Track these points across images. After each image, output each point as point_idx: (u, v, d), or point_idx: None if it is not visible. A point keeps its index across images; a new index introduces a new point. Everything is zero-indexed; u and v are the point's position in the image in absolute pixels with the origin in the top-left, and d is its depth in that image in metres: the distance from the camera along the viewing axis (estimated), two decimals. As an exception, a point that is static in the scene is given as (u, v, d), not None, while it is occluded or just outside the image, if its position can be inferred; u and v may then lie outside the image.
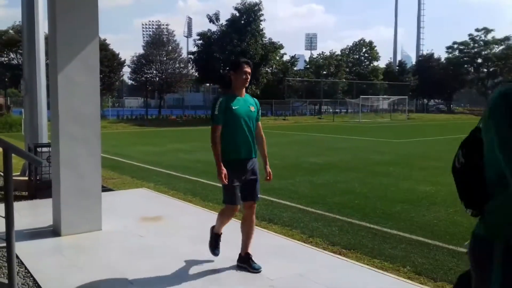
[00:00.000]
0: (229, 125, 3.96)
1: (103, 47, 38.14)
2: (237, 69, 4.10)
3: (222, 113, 3.94)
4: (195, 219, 6.05)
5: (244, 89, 4.19)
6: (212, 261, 4.39)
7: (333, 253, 4.77)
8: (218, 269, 4.20)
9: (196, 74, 44.29)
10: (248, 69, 4.11)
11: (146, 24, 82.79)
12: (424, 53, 77.76)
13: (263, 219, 6.13)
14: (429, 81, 63.34)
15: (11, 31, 44.61)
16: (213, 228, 4.41)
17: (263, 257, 4.49)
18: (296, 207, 6.92)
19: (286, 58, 51.49)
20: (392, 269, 4.36)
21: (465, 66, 67.05)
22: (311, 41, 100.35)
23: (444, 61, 68.64)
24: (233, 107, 3.97)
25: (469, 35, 66.36)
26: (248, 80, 4.13)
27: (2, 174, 8.67)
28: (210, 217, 6.12)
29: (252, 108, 4.14)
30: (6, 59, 45.67)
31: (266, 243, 5.01)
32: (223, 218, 4.30)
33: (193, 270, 4.17)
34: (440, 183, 8.99)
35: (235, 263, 4.31)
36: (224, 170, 3.86)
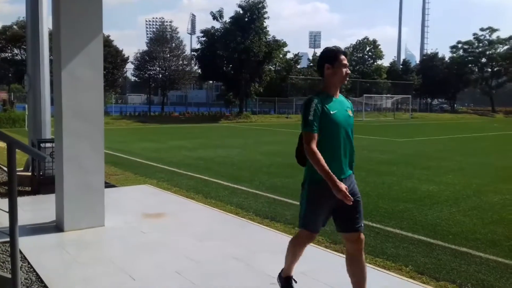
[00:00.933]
0: (325, 135, 3.09)
1: (107, 43, 38.16)
2: (334, 61, 3.22)
3: (318, 119, 3.06)
4: (197, 216, 6.06)
5: (339, 88, 3.32)
6: (213, 257, 4.40)
7: (335, 251, 4.77)
8: (220, 265, 4.20)
9: (199, 71, 44.30)
10: (346, 61, 3.28)
11: (149, 21, 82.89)
12: (428, 52, 77.58)
13: (265, 217, 6.13)
14: (433, 80, 63.17)
15: (15, 26, 44.68)
16: (280, 273, 3.63)
17: (266, 256, 4.50)
18: (299, 205, 6.90)
19: (289, 56, 51.46)
20: (394, 268, 4.36)
21: (469, 65, 66.77)
22: (315, 39, 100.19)
23: (448, 61, 68.40)
24: (331, 112, 3.11)
25: (474, 34, 66.11)
26: (348, 75, 3.31)
27: (5, 169, 8.71)
28: (212, 214, 6.15)
29: (350, 113, 3.27)
30: (10, 54, 45.79)
31: (269, 241, 5.02)
32: (296, 249, 3.47)
33: (195, 266, 4.17)
34: (443, 183, 8.97)
35: (237, 259, 4.32)
36: (343, 184, 2.98)
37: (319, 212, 3.25)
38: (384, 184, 8.77)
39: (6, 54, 45.97)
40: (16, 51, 44.86)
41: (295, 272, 4.05)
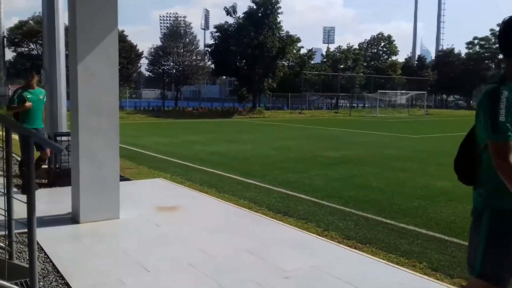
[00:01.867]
0: None
1: (121, 38, 38.41)
2: None
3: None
4: (211, 210, 6.09)
5: None
6: (227, 251, 4.43)
7: (348, 247, 4.76)
8: (233, 259, 4.23)
9: (213, 66, 44.34)
10: None
11: (163, 16, 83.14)
12: (444, 48, 76.59)
13: (278, 212, 6.14)
14: (448, 76, 62.36)
15: (31, 21, 45.15)
16: None
17: (278, 250, 4.51)
18: (312, 201, 6.91)
19: (303, 51, 51.19)
20: (408, 264, 4.34)
21: (486, 61, 65.77)
22: (328, 35, 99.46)
23: (464, 57, 67.44)
24: None
25: (491, 30, 65.04)
26: None
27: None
28: (225, 208, 6.18)
29: None
30: (26, 49, 46.29)
31: (281, 236, 5.03)
32: None
33: (208, 259, 4.20)
34: (457, 179, 8.87)
35: (250, 253, 4.34)
36: None
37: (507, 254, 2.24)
38: (398, 181, 8.71)
39: (23, 49, 46.51)
40: (32, 46, 45.35)
41: (309, 267, 4.06)
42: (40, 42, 35.81)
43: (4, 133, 3.16)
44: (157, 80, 51.65)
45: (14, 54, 48.43)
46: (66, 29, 7.21)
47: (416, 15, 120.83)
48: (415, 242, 5.03)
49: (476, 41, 66.41)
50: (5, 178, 3.34)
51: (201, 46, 51.08)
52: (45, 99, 7.12)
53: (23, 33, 44.34)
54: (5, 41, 49.82)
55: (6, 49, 50.01)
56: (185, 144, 14.84)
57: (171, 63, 45.30)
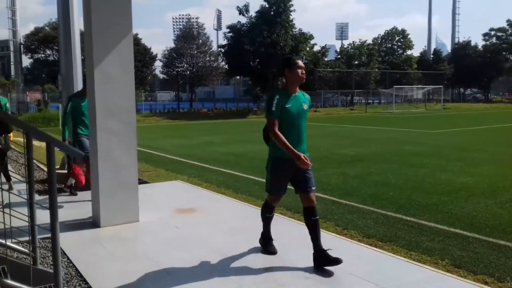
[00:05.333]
0: None
1: (135, 42, 38.77)
2: None
3: None
4: (229, 211, 6.11)
5: None
6: (246, 252, 4.43)
7: (368, 245, 4.73)
8: (253, 260, 4.23)
9: (227, 66, 44.44)
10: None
11: (176, 18, 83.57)
12: (460, 40, 75.44)
13: (296, 211, 6.12)
14: (465, 69, 61.40)
15: (47, 28, 45.81)
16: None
17: (298, 249, 4.50)
18: (330, 199, 6.87)
19: (316, 48, 50.98)
20: (430, 262, 4.29)
21: (504, 53, 64.55)
22: (342, 31, 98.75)
23: (481, 49, 66.30)
24: None
25: (507, 21, 63.80)
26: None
27: (43, 167, 8.99)
28: (243, 209, 6.19)
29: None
30: (42, 55, 46.99)
31: (301, 235, 5.00)
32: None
33: (228, 260, 4.22)
34: (478, 174, 8.75)
35: (270, 253, 4.35)
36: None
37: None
38: (417, 177, 8.62)
39: (39, 55, 47.24)
40: (48, 52, 46.02)
41: (330, 266, 4.04)
42: (57, 48, 36.32)
43: (25, 140, 3.21)
44: (171, 82, 52.04)
45: (31, 60, 49.28)
46: (82, 35, 7.29)
47: (431, 8, 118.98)
48: (436, 239, 4.96)
49: (492, 33, 65.25)
50: (27, 184, 3.39)
51: (214, 47, 51.32)
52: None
53: (40, 39, 45.05)
54: (22, 48, 50.69)
55: (23, 56, 50.87)
56: (201, 146, 14.91)
57: (185, 65, 45.60)
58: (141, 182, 7.34)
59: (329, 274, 3.87)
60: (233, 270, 3.99)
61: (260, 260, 4.24)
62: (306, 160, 3.81)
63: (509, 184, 7.84)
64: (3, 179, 6.72)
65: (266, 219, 4.42)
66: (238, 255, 4.36)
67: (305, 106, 4.09)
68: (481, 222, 5.59)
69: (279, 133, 3.89)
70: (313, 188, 4.07)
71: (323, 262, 3.94)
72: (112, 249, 4.58)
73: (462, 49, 67.23)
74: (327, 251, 3.96)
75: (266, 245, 4.44)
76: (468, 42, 68.14)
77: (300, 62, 4.05)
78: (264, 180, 4.30)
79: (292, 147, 3.84)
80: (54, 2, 8.96)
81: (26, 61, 56.00)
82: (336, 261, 3.86)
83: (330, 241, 4.80)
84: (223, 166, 10.27)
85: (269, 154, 4.16)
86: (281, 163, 4.01)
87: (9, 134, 7.22)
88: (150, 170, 9.66)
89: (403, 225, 5.50)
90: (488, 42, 65.93)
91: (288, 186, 4.18)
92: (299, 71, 3.99)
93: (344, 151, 12.52)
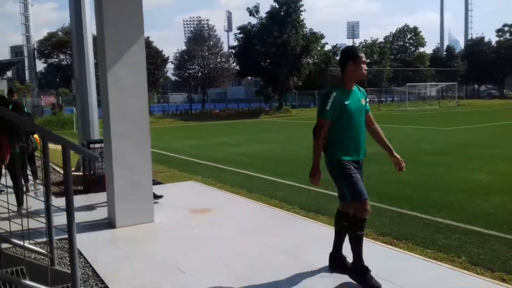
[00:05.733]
0: None
1: (147, 44, 39.04)
2: None
3: None
4: (243, 211, 6.12)
5: None
6: (261, 251, 4.44)
7: (384, 243, 4.70)
8: (269, 259, 4.23)
9: (238, 67, 44.51)
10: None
11: (187, 21, 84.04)
12: (473, 37, 74.55)
13: (310, 210, 6.11)
14: (479, 66, 60.64)
15: (60, 32, 46.34)
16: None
17: (313, 248, 4.49)
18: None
19: (327, 48, 50.79)
20: (446, 259, 4.25)
21: (518, 48, 63.62)
22: (353, 30, 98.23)
23: (495, 45, 65.42)
24: None
25: (521, 15, 62.83)
26: None
27: (59, 170, 9.10)
28: (257, 208, 6.20)
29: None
30: (56, 60, 47.54)
31: (315, 234, 5.00)
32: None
33: (243, 260, 4.22)
34: (495, 172, 8.63)
35: (283, 253, 4.34)
36: None
37: None
38: (432, 175, 8.54)
39: (53, 60, 47.81)
40: (62, 56, 46.55)
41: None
42: (70, 52, 36.74)
43: (41, 143, 3.25)
44: (183, 84, 52.29)
45: (45, 65, 49.92)
46: (94, 39, 7.37)
47: (443, 4, 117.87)
48: (452, 237, 4.91)
49: (506, 28, 64.38)
50: (44, 186, 3.43)
51: (225, 48, 51.38)
52: None
53: (53, 44, 45.61)
54: (35, 53, 51.33)
55: (37, 61, 51.51)
56: (214, 146, 14.95)
57: (197, 67, 45.78)
58: (155, 183, 7.38)
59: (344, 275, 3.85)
60: (248, 269, 4.00)
61: (275, 259, 4.24)
62: (315, 182, 3.63)
63: (526, 181, 7.72)
64: (22, 181, 6.80)
65: (357, 240, 3.58)
66: (252, 254, 4.37)
67: (363, 101, 3.72)
68: (498, 219, 5.51)
69: (321, 138, 3.56)
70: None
71: (339, 267, 3.80)
72: (127, 250, 4.62)
73: (475, 46, 66.42)
74: (346, 259, 3.78)
75: (364, 278, 3.57)
76: (482, 38, 67.29)
77: (364, 57, 3.66)
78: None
79: (317, 161, 3.58)
80: (67, 7, 9.07)
81: (40, 65, 56.84)
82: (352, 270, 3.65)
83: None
84: (237, 166, 10.29)
85: (329, 160, 3.70)
86: (349, 162, 3.64)
87: (34, 135, 7.27)
88: (164, 171, 9.72)
89: (419, 223, 5.45)
90: (502, 38, 65.05)
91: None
92: (363, 66, 3.60)
93: (357, 150, 12.43)
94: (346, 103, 3.53)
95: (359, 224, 3.56)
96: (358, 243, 3.58)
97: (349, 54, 3.62)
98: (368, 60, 46.46)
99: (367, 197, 3.59)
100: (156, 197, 6.17)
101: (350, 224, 3.65)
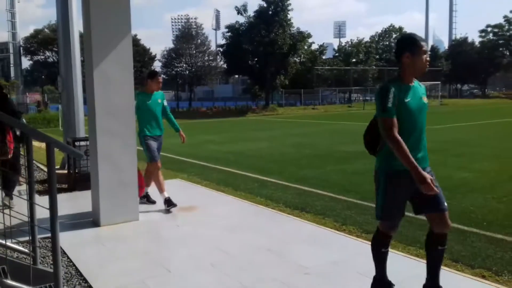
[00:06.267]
0: None
1: (134, 42, 38.73)
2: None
3: None
4: (228, 209, 6.13)
5: None
6: (245, 249, 4.46)
7: (367, 240, 4.74)
8: (253, 257, 4.26)
9: (225, 66, 44.48)
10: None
11: (175, 19, 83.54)
12: (457, 37, 75.49)
13: (295, 208, 6.15)
14: (462, 65, 61.48)
15: (46, 30, 45.76)
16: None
17: (297, 246, 4.53)
18: (328, 196, 6.90)
19: (314, 47, 51.02)
20: (428, 256, 4.31)
21: (500, 49, 64.66)
22: (339, 29, 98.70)
23: (478, 45, 66.37)
24: None
25: (504, 17, 63.93)
26: None
27: (43, 168, 9.01)
28: (242, 206, 6.22)
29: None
30: (42, 57, 46.94)
31: (300, 232, 5.04)
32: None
33: (229, 258, 4.24)
34: (477, 170, 8.78)
35: (268, 250, 4.37)
36: None
37: None
38: (415, 173, 8.63)
39: (39, 57, 47.19)
40: (48, 53, 45.98)
41: (328, 262, 4.07)
42: (56, 49, 36.32)
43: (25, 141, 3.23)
44: (171, 82, 52.04)
45: (31, 62, 49.25)
46: (81, 36, 7.31)
47: (428, 5, 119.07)
48: (434, 234, 4.99)
49: (489, 29, 65.44)
50: (27, 185, 3.41)
51: (213, 47, 51.33)
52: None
53: (39, 41, 45.02)
54: (21, 50, 50.60)
55: (23, 58, 50.76)
56: (201, 144, 14.92)
57: (184, 65, 45.64)
58: (140, 181, 7.36)
59: (331, 271, 3.89)
60: (233, 267, 4.02)
61: (260, 257, 4.27)
62: (432, 185, 2.91)
63: (507, 179, 7.87)
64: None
65: (381, 256, 3.36)
66: (238, 252, 4.39)
67: (425, 99, 3.21)
68: (479, 216, 5.62)
69: (399, 138, 2.92)
70: (446, 205, 3.26)
71: None
72: (112, 248, 4.61)
73: (459, 46, 67.32)
74: None
75: None
76: (465, 39, 68.25)
77: (426, 45, 3.11)
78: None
79: (415, 163, 2.90)
80: (54, 4, 8.98)
81: (26, 63, 56.03)
82: None
83: (329, 237, 4.85)
84: (223, 164, 10.29)
85: (378, 168, 3.23)
86: (399, 178, 3.08)
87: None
88: (149, 170, 9.67)
89: (402, 221, 5.50)
90: (485, 39, 66.06)
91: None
92: (424, 57, 3.05)
93: (343, 148, 12.55)
94: (406, 100, 3.03)
95: (383, 241, 3.34)
96: (380, 259, 3.37)
97: (405, 43, 3.09)
98: (354, 60, 46.96)
99: (398, 220, 3.33)
100: (170, 204, 5.93)
101: (373, 239, 3.42)
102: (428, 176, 2.90)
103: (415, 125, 3.09)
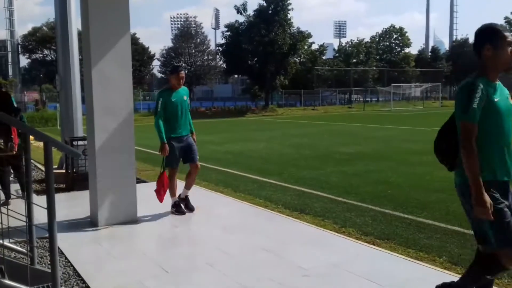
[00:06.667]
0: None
1: (133, 41, 38.75)
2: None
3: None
4: (227, 209, 6.11)
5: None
6: (243, 250, 4.44)
7: (366, 243, 4.73)
8: (252, 257, 4.23)
9: (225, 65, 44.45)
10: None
11: (174, 17, 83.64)
12: (458, 38, 75.53)
13: (294, 210, 6.13)
14: (463, 67, 61.38)
15: (44, 28, 45.71)
16: None
17: (296, 247, 4.51)
18: (328, 198, 6.88)
19: (314, 47, 51.02)
20: (427, 259, 4.30)
21: (501, 50, 64.75)
22: (340, 29, 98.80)
23: (479, 46, 66.41)
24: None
25: (505, 18, 63.91)
26: None
27: (41, 167, 8.99)
28: (241, 207, 6.20)
29: None
30: (40, 55, 46.90)
31: (299, 233, 5.02)
32: None
33: (227, 259, 4.22)
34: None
35: (267, 251, 4.35)
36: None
37: None
38: (416, 175, 8.63)
39: (37, 55, 47.15)
40: (46, 52, 45.94)
41: (327, 264, 4.05)
42: (54, 48, 36.27)
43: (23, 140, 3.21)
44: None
45: (29, 60, 49.18)
46: (79, 34, 7.28)
47: (429, 5, 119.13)
48: (434, 236, 4.97)
49: (490, 30, 65.39)
50: (25, 184, 3.39)
51: (212, 46, 51.31)
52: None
53: (37, 39, 44.99)
54: (19, 48, 50.50)
55: (21, 56, 50.66)
56: (199, 144, 14.79)
57: (183, 64, 45.58)
58: (139, 181, 7.34)
59: (330, 273, 3.87)
60: (231, 268, 4.00)
61: (258, 258, 4.24)
62: (489, 212, 2.54)
63: (506, 181, 7.85)
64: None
65: (478, 280, 2.91)
66: (236, 253, 4.37)
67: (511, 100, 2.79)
68: (479, 219, 5.59)
69: (475, 147, 2.59)
70: None
71: None
72: (110, 249, 4.58)
73: (460, 47, 67.28)
74: None
75: None
76: (466, 40, 68.14)
77: (510, 36, 2.67)
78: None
79: (479, 182, 2.55)
80: (52, 2, 9.01)
81: (24, 61, 55.92)
82: None
83: (328, 239, 4.83)
84: (222, 165, 10.27)
85: (463, 183, 2.76)
86: (494, 189, 2.65)
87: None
88: (148, 170, 9.65)
89: (401, 223, 5.51)
90: (486, 40, 66.02)
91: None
92: (510, 48, 2.65)
93: (343, 149, 12.53)
94: (495, 100, 2.64)
95: (495, 270, 2.80)
96: (474, 283, 2.93)
97: (485, 34, 2.72)
98: (354, 60, 46.98)
99: None
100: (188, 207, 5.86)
101: (483, 264, 2.83)
102: (489, 201, 2.54)
103: (502, 129, 2.67)
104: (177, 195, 5.88)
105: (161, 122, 5.57)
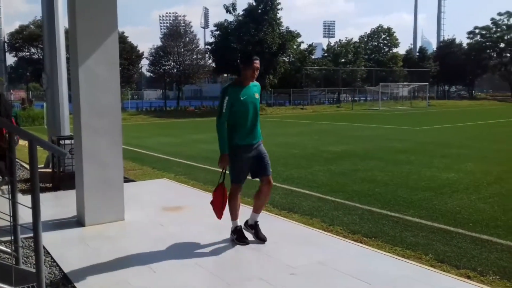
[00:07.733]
0: None
1: (122, 39, 38.47)
2: None
3: None
4: (215, 209, 6.09)
5: None
6: (232, 249, 4.44)
7: (354, 241, 4.76)
8: (240, 257, 4.24)
9: (214, 64, 44.34)
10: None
11: (163, 16, 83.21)
12: (445, 38, 76.23)
13: (283, 208, 6.14)
14: (450, 67, 62.11)
15: (31, 26, 45.15)
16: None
17: (284, 246, 4.51)
18: (316, 196, 6.90)
19: (303, 46, 51.13)
20: (414, 257, 4.34)
21: (488, 51, 65.50)
22: (329, 29, 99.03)
23: (466, 47, 67.15)
24: None
25: (491, 19, 64.73)
26: None
27: (27, 166, 8.88)
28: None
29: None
30: (27, 53, 46.30)
31: (287, 232, 5.03)
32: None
33: (214, 257, 4.22)
34: (462, 170, 8.86)
35: (255, 250, 4.35)
36: None
37: None
38: (403, 173, 8.69)
39: (24, 53, 46.55)
40: (33, 50, 45.38)
41: (315, 263, 4.07)
42: (41, 46, 35.86)
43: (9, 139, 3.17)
44: (158, 81, 51.74)
45: (15, 58, 48.50)
46: (67, 33, 7.20)
47: (417, 6, 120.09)
48: (420, 234, 5.02)
49: (477, 31, 66.19)
50: (9, 184, 3.35)
51: (201, 45, 51.09)
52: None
53: (24, 37, 44.39)
54: (6, 46, 49.75)
55: (7, 54, 49.90)
56: (188, 144, 14.86)
57: (172, 63, 45.28)
58: (126, 180, 7.29)
59: (317, 271, 3.89)
60: (219, 267, 4.00)
61: (247, 257, 4.25)
62: None
63: (492, 180, 7.95)
64: None
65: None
66: (224, 252, 4.37)
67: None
68: (465, 217, 5.66)
69: None
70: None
71: None
72: (96, 248, 4.54)
73: (447, 47, 67.97)
74: None
75: None
76: (453, 40, 68.93)
77: None
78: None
79: None
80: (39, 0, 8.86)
81: (10, 59, 55.12)
82: None
83: (316, 237, 4.84)
84: (210, 163, 10.24)
85: None
86: None
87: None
88: (136, 169, 9.60)
89: (388, 221, 5.55)
90: (472, 40, 66.82)
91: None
92: None
93: (331, 148, 12.58)
94: None
95: None
96: None
97: None
98: (343, 60, 47.07)
99: None
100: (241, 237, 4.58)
101: None
102: None
103: None
104: (239, 217, 4.74)
105: (225, 127, 4.48)
